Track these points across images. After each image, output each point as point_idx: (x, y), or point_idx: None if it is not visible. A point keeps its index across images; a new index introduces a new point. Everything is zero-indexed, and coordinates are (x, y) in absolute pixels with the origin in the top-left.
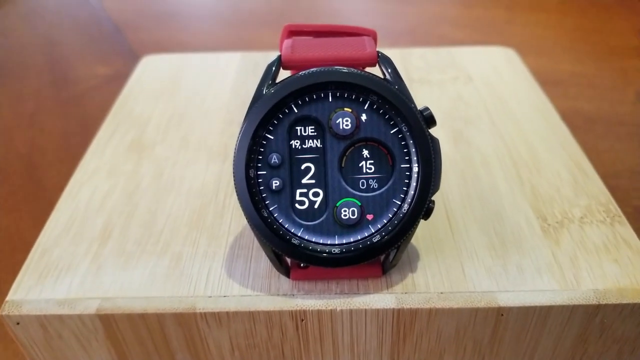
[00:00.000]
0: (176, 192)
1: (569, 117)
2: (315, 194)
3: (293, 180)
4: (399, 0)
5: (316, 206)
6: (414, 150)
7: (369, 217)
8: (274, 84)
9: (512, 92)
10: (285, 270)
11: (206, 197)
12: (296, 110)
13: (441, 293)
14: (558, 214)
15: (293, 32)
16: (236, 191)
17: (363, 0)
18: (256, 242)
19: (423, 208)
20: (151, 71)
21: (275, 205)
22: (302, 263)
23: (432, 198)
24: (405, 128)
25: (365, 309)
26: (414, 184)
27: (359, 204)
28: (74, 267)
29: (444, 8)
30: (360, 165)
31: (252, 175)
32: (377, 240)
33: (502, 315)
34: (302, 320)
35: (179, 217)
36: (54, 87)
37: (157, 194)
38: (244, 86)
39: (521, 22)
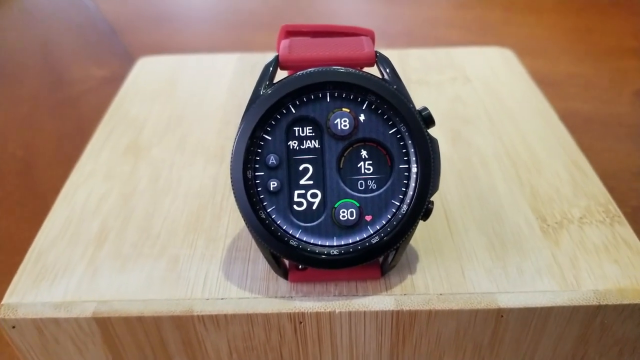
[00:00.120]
0: (173, 194)
1: (566, 118)
2: (314, 195)
3: (291, 181)
4: (395, 2)
5: (314, 207)
6: (412, 150)
7: (368, 218)
8: (271, 84)
9: (510, 92)
10: (284, 272)
11: (203, 199)
12: (294, 111)
13: (440, 294)
14: (557, 214)
15: (290, 32)
16: (234, 192)
17: (359, 2)
18: (254, 244)
19: (422, 209)
20: (147, 73)
21: (273, 207)
22: (300, 265)
23: (431, 199)
24: (404, 128)
25: (364, 311)
26: (413, 184)
27: (358, 205)
28: (70, 270)
29: (440, 10)
30: (358, 165)
31: (249, 176)
32: (376, 242)
33: (502, 316)
34: (301, 322)
35: (176, 220)
36: (50, 89)
37: (153, 196)
38: (241, 87)
39: (517, 23)
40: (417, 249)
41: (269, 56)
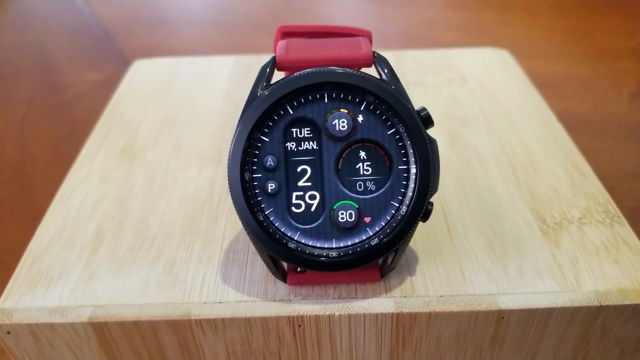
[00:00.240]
0: (169, 197)
1: (564, 119)
2: (312, 197)
3: (289, 182)
4: (391, 3)
5: (313, 209)
6: (411, 151)
7: (367, 219)
8: (268, 85)
9: (507, 92)
10: (282, 275)
11: (200, 201)
12: (291, 112)
13: (440, 296)
14: (557, 214)
15: (287, 33)
16: (231, 194)
17: (355, 4)
18: (252, 247)
19: (422, 210)
20: (142, 75)
21: (271, 209)
22: (299, 267)
23: (430, 200)
24: (402, 129)
25: (364, 314)
26: (412, 185)
27: (357, 206)
28: (66, 275)
29: (436, 11)
30: (357, 167)
31: (247, 178)
32: (376, 243)
33: (502, 318)
34: (300, 326)
35: (172, 222)
36: (45, 93)
37: (149, 199)
38: (237, 90)
39: (514, 25)
40: (416, 250)
41: (265, 58)
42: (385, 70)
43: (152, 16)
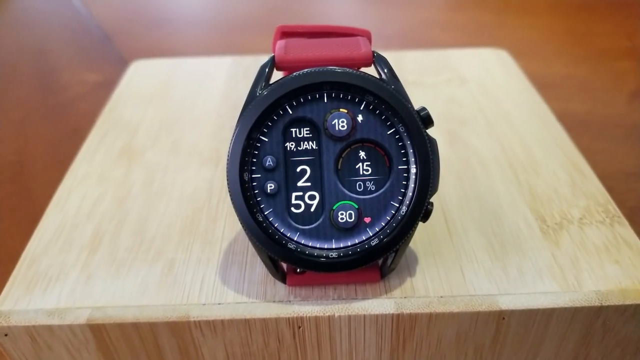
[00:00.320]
0: (168, 198)
1: (562, 119)
2: (311, 197)
3: (288, 183)
4: (388, 4)
5: (312, 209)
6: (411, 151)
7: (367, 220)
8: (267, 85)
9: (506, 93)
10: (281, 276)
11: (199, 202)
12: (291, 112)
13: (441, 297)
14: (557, 215)
15: (286, 33)
16: (230, 195)
17: (353, 5)
18: (251, 248)
19: (422, 210)
20: (141, 76)
21: (271, 209)
22: (298, 268)
23: (430, 200)
24: (402, 129)
25: (364, 315)
26: (412, 185)
27: (356, 206)
28: (64, 276)
29: (434, 12)
30: (356, 167)
31: (246, 178)
32: (376, 244)
33: (503, 318)
34: (299, 327)
35: (171, 224)
36: (43, 95)
37: (148, 200)
38: (235, 91)
39: (511, 26)
40: (416, 251)
41: (263, 59)
42: (385, 70)
43: (151, 17)
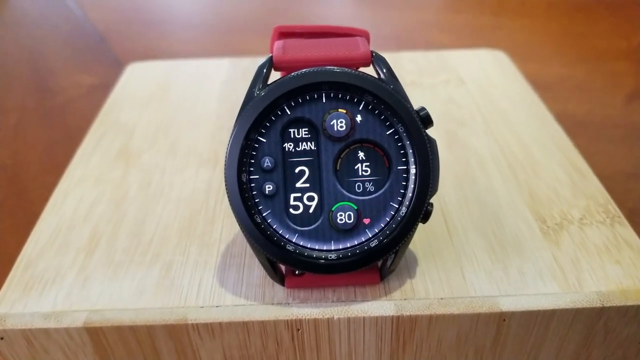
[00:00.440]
0: (165, 200)
1: (560, 121)
2: (310, 198)
3: (287, 184)
4: (383, 6)
5: (311, 211)
6: (411, 151)
7: (366, 221)
8: (265, 85)
9: (504, 93)
10: (280, 278)
11: (196, 204)
12: (289, 112)
13: (441, 299)
14: (557, 215)
15: (284, 33)
16: (228, 196)
17: (348, 7)
18: (249, 250)
19: (421, 211)
20: (137, 78)
21: (269, 211)
22: (297, 270)
23: (430, 200)
24: (401, 129)
25: (364, 317)
26: (412, 186)
27: (355, 207)
28: (60, 279)
29: (430, 13)
30: (355, 167)
31: (244, 179)
32: (375, 245)
33: (504, 320)
34: (298, 329)
35: (169, 226)
36: (38, 98)
37: (145, 202)
38: (233, 92)
39: (508, 27)
40: (416, 252)
41: (261, 60)
42: (384, 70)
43: (147, 19)
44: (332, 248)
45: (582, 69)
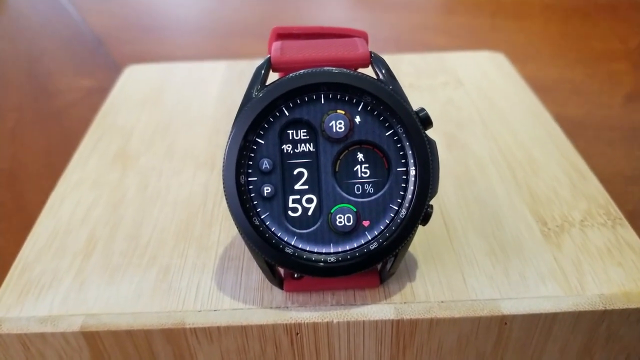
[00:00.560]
0: (162, 203)
1: (558, 122)
2: (309, 200)
3: (285, 186)
4: (380, 8)
5: (310, 213)
6: (410, 152)
7: (365, 223)
8: (263, 86)
9: (503, 95)
10: (279, 282)
11: (194, 207)
12: (287, 114)
13: (442, 302)
14: (558, 217)
15: (282, 34)
16: (226, 198)
17: (345, 9)
18: (247, 253)
19: (421, 213)
20: (134, 81)
21: (267, 213)
22: (296, 273)
23: (430, 202)
24: (401, 130)
25: (363, 321)
26: (412, 187)
27: (355, 209)
28: (57, 283)
29: (427, 16)
30: (354, 169)
31: (242, 181)
32: (375, 248)
33: (505, 323)
34: (297, 333)
35: (166, 228)
36: (36, 101)
37: (142, 204)
38: (230, 95)
39: (506, 29)
40: (415, 255)
41: (258, 63)
42: (383, 71)
43: (144, 23)
44: (331, 251)
45: (581, 71)
